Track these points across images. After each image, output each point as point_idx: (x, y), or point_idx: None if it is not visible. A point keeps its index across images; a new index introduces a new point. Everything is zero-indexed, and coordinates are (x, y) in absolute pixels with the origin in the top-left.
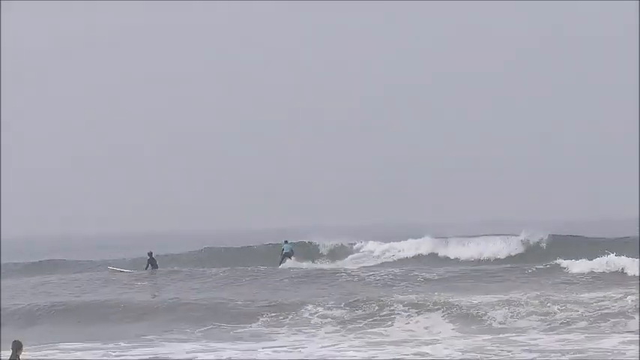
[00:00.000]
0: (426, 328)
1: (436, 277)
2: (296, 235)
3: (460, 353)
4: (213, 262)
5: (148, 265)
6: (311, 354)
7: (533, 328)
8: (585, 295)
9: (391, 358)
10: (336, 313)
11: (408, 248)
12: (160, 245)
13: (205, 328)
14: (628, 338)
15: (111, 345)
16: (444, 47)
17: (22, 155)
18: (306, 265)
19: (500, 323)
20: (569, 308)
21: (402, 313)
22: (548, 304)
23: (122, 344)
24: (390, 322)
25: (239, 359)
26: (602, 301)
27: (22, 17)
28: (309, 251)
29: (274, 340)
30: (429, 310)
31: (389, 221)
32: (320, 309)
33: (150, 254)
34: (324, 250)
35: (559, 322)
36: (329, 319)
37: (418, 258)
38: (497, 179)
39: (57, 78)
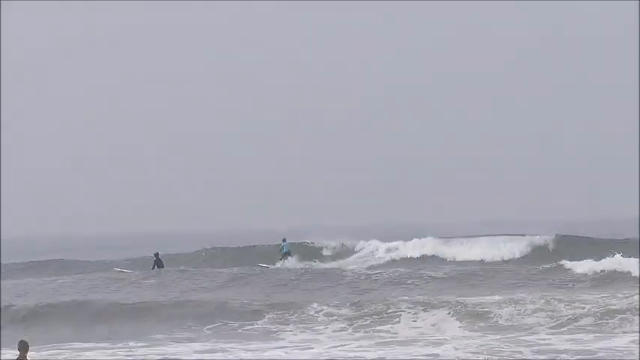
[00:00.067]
0: (433, 325)
1: (442, 276)
2: (296, 235)
3: (471, 354)
4: (217, 262)
5: (154, 266)
6: (320, 354)
7: (541, 325)
8: (592, 295)
9: (402, 359)
10: (342, 311)
11: (412, 248)
12: (160, 245)
13: (214, 325)
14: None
15: (120, 344)
16: (444, 47)
17: (22, 155)
18: (309, 264)
19: (507, 320)
20: (576, 307)
21: (409, 310)
22: (554, 303)
23: (131, 344)
24: (397, 320)
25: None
26: (609, 299)
27: (22, 17)
28: (312, 251)
29: (282, 340)
30: (436, 308)
31: (389, 221)
32: (325, 307)
33: (156, 255)
34: (327, 250)
35: (566, 321)
36: (335, 317)
37: (423, 257)
38: (497, 179)
39: (57, 78)
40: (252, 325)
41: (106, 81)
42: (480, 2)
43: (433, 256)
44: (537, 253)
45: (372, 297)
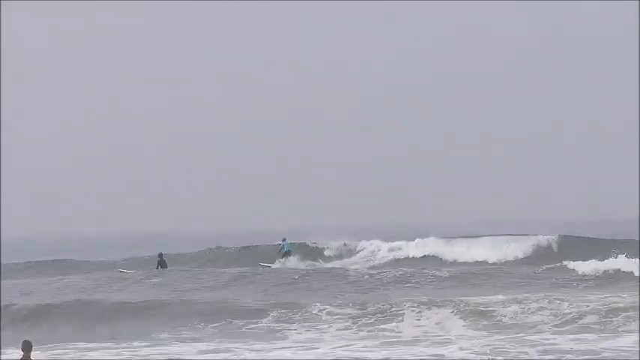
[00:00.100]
0: (437, 323)
1: (445, 275)
2: (296, 235)
3: (476, 355)
4: (220, 262)
5: (158, 266)
6: (325, 354)
7: (545, 324)
8: (595, 295)
9: (407, 359)
10: (346, 310)
11: (415, 247)
12: (160, 245)
13: (218, 324)
14: None
15: (124, 344)
16: (444, 47)
17: (22, 155)
18: (312, 264)
19: (511, 319)
20: (580, 307)
21: (413, 309)
22: (558, 302)
23: (135, 343)
24: (401, 319)
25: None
26: (613, 298)
27: (22, 17)
28: (314, 251)
29: (286, 338)
30: (439, 307)
31: (389, 221)
32: (329, 306)
33: (160, 255)
34: (329, 250)
35: (571, 320)
36: (338, 316)
37: (425, 257)
38: (497, 179)
39: (57, 78)
40: (257, 323)
41: (106, 81)
42: (479, 2)
43: (436, 255)
44: (540, 253)
45: (375, 296)
